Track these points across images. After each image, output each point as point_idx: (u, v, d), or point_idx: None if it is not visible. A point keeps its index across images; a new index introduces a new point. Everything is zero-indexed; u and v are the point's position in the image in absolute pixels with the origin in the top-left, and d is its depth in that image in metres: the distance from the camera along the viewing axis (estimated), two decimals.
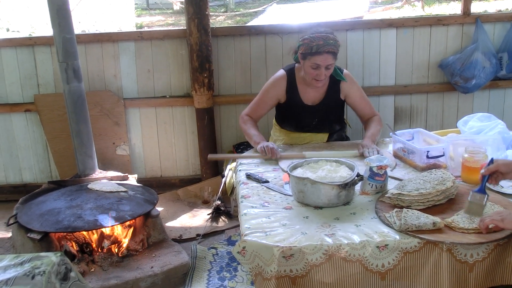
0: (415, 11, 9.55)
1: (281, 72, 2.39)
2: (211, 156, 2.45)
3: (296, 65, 2.38)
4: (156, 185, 3.07)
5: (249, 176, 1.94)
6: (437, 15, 7.21)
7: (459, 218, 1.49)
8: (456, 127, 2.22)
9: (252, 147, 2.29)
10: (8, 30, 6.35)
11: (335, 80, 2.35)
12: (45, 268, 1.23)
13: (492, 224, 1.41)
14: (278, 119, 2.51)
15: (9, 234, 2.52)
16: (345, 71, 2.39)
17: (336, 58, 2.23)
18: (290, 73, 2.37)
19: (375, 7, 9.73)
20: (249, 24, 7.63)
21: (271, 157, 2.10)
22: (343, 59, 3.04)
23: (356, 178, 1.67)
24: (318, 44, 2.16)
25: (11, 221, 2.23)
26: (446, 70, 3.05)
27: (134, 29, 8.73)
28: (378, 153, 2.05)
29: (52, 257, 1.28)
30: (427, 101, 3.17)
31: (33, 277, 1.21)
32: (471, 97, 3.15)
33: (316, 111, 2.38)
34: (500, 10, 7.29)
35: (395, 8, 9.80)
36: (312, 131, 2.42)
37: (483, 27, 2.97)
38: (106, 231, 2.23)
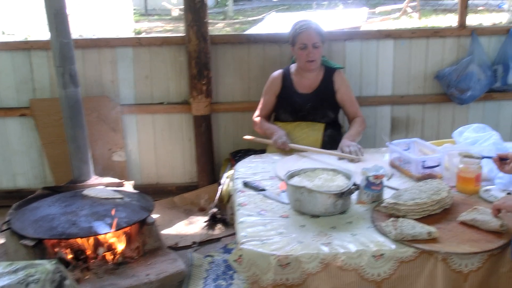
0: (412, 22, 9.67)
1: (278, 71, 2.63)
2: (246, 138, 2.59)
3: (292, 64, 2.61)
4: (152, 192, 3.05)
5: (246, 184, 1.94)
6: (433, 27, 7.31)
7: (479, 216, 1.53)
8: (452, 138, 2.23)
9: (251, 154, 2.39)
10: (3, 33, 6.35)
11: (329, 71, 2.53)
12: (39, 276, 1.22)
13: (498, 207, 1.51)
14: (275, 111, 2.63)
15: (2, 241, 2.49)
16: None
17: (322, 40, 2.45)
18: (286, 69, 2.61)
19: (373, 18, 9.84)
20: (247, 32, 7.67)
21: (283, 149, 2.28)
22: None
23: (352, 187, 1.68)
24: (301, 25, 2.45)
25: (4, 227, 2.21)
26: (442, 81, 3.08)
27: (132, 35, 8.75)
28: (359, 150, 2.19)
29: (47, 265, 1.27)
30: (423, 112, 3.20)
31: (27, 285, 1.20)
32: (467, 108, 3.18)
33: (309, 97, 2.52)
34: (495, 23, 7.40)
35: (392, 19, 9.92)
36: (306, 117, 2.52)
37: (479, 39, 3.01)
38: (101, 238, 2.21)
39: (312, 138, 2.46)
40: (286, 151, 2.28)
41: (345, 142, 2.28)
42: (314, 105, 2.51)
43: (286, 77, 2.56)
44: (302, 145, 2.31)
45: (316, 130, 2.49)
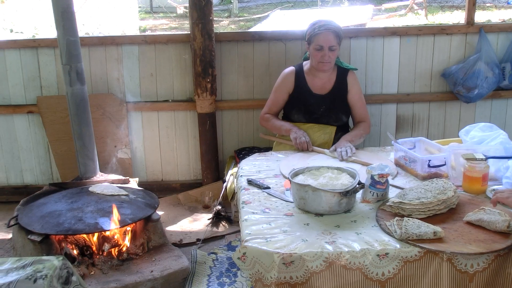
0: (419, 19, 9.58)
1: (290, 67, 2.55)
2: (263, 135, 2.62)
3: (304, 62, 2.54)
4: (157, 189, 3.07)
5: (250, 182, 1.94)
6: (440, 24, 7.24)
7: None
8: (458, 137, 2.22)
9: (255, 152, 2.38)
10: (12, 31, 6.39)
11: (343, 72, 2.48)
12: (47, 272, 1.23)
13: (499, 200, 1.51)
14: (286, 111, 2.57)
15: (10, 236, 2.52)
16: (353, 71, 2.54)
17: (339, 42, 2.39)
18: (298, 67, 2.53)
19: (379, 15, 9.76)
20: (252, 29, 7.66)
21: (304, 150, 2.25)
22: None
23: (357, 186, 1.68)
24: (320, 25, 2.37)
25: (12, 223, 2.24)
26: (448, 79, 3.06)
27: (138, 33, 8.76)
28: (351, 151, 2.14)
29: (54, 261, 1.28)
30: (429, 110, 3.18)
31: (35, 281, 1.21)
32: (473, 106, 3.15)
33: (324, 99, 2.47)
34: (504, 20, 7.30)
35: (398, 16, 9.83)
36: (319, 120, 2.47)
37: (487, 37, 2.98)
38: (107, 234, 2.23)
39: (323, 140, 2.43)
40: (308, 151, 2.24)
41: (341, 142, 2.27)
42: (329, 107, 2.46)
43: (299, 75, 2.48)
44: (320, 148, 2.27)
45: (328, 134, 2.45)
